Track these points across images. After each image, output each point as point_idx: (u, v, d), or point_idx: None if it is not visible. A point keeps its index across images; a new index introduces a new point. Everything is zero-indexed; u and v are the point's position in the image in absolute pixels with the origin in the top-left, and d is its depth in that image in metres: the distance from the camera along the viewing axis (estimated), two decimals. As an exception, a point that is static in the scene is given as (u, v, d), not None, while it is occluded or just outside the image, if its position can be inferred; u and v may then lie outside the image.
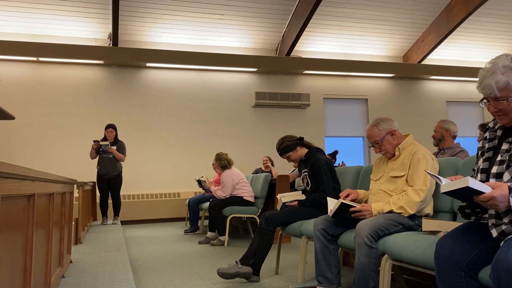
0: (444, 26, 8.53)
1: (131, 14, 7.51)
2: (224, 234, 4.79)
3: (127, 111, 7.94)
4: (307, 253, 2.90)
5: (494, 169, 1.58)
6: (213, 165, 5.53)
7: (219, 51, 8.35)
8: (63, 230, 2.75)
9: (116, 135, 6.33)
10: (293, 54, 8.59)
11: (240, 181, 5.04)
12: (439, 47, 9.01)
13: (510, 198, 1.40)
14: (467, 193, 1.48)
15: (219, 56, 8.18)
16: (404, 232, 2.15)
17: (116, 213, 6.31)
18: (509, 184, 1.43)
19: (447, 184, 1.52)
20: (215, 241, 4.83)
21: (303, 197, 3.29)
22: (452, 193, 1.54)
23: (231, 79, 8.59)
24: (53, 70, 7.67)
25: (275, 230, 3.11)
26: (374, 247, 2.13)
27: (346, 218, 2.39)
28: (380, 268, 2.12)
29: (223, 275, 2.95)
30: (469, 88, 10.01)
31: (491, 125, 1.73)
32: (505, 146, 1.59)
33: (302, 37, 8.19)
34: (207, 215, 5.38)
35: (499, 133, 1.66)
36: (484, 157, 1.67)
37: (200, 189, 6.35)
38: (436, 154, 3.87)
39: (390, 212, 2.28)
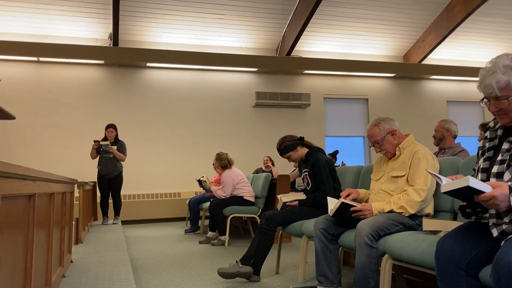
0: (445, 26, 8.52)
1: (132, 14, 7.51)
2: (224, 234, 4.79)
3: (128, 111, 7.94)
4: (308, 253, 2.90)
5: (495, 169, 1.58)
6: (213, 165, 5.53)
7: (220, 51, 8.35)
8: (63, 230, 2.75)
9: (117, 135, 6.34)
10: (293, 54, 8.59)
11: (241, 181, 5.04)
12: (439, 47, 9.00)
13: (511, 197, 1.39)
14: (467, 193, 1.47)
15: (220, 56, 8.18)
16: (404, 232, 2.15)
17: (117, 213, 6.32)
18: (509, 183, 1.43)
19: (448, 183, 1.52)
20: (215, 241, 4.83)
21: (303, 196, 3.29)
22: (453, 193, 1.54)
23: (231, 79, 8.59)
24: (54, 70, 7.68)
25: (276, 230, 3.11)
26: (374, 246, 2.13)
27: (347, 217, 2.39)
28: (380, 267, 2.12)
29: (224, 275, 2.95)
30: (470, 87, 10.00)
31: (491, 124, 1.72)
32: (505, 146, 1.59)
33: (302, 37, 8.19)
34: (208, 215, 5.38)
35: (499, 132, 1.66)
36: (484, 157, 1.67)
37: (201, 189, 6.35)
38: (436, 154, 3.87)
39: (391, 211, 2.28)
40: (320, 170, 3.10)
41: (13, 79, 7.40)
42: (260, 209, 4.96)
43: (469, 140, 8.56)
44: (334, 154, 6.89)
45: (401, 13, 8.45)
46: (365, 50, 9.26)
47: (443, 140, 3.86)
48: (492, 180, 1.56)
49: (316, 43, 8.85)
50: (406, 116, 9.36)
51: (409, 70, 9.40)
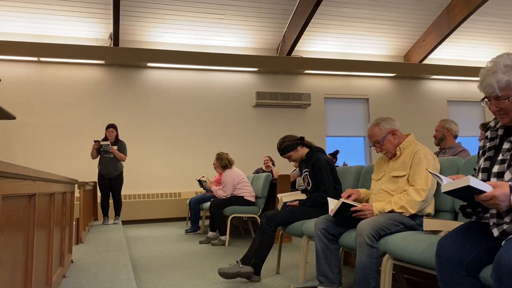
0: (445, 26, 8.52)
1: (132, 14, 7.51)
2: (225, 234, 4.79)
3: (128, 111, 7.94)
4: (308, 253, 2.90)
5: (495, 168, 1.58)
6: (214, 164, 5.53)
7: (220, 51, 8.35)
8: (64, 230, 2.75)
9: (117, 135, 6.34)
10: (294, 53, 8.59)
11: (241, 181, 5.04)
12: (440, 46, 9.00)
13: (511, 197, 1.39)
14: (468, 193, 1.47)
15: (220, 56, 8.18)
16: (405, 232, 2.14)
17: (117, 213, 6.32)
18: (510, 183, 1.42)
19: (448, 183, 1.52)
20: (216, 240, 4.83)
21: (304, 196, 3.29)
22: (453, 193, 1.54)
23: (232, 79, 8.59)
24: (54, 70, 7.68)
25: (276, 230, 3.10)
26: (375, 246, 2.13)
27: (347, 217, 2.39)
28: (381, 267, 2.12)
29: (224, 275, 2.95)
30: (470, 87, 10.00)
31: (492, 124, 1.72)
32: (506, 145, 1.59)
33: (303, 36, 8.19)
34: (208, 214, 5.38)
35: (500, 132, 1.66)
36: (485, 156, 1.67)
37: (201, 189, 6.35)
38: (437, 154, 3.86)
39: (391, 211, 2.28)
40: (321, 170, 3.10)
41: (13, 79, 7.41)
42: (261, 209, 4.96)
43: (470, 140, 8.56)
44: (335, 154, 6.89)
45: (401, 13, 8.45)
46: (365, 50, 9.26)
47: (444, 140, 3.85)
48: (493, 179, 1.56)
49: (317, 43, 8.84)
50: (406, 116, 9.36)
51: (409, 70, 9.40)
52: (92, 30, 7.70)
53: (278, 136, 3.72)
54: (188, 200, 6.47)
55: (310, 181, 3.20)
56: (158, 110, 8.12)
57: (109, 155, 6.16)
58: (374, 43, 9.14)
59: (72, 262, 3.26)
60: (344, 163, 7.15)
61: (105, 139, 6.25)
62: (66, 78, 7.72)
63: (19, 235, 1.48)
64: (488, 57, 1.66)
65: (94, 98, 7.81)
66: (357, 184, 3.07)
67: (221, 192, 5.04)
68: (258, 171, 7.27)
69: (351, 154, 9.21)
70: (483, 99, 1.63)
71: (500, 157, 1.59)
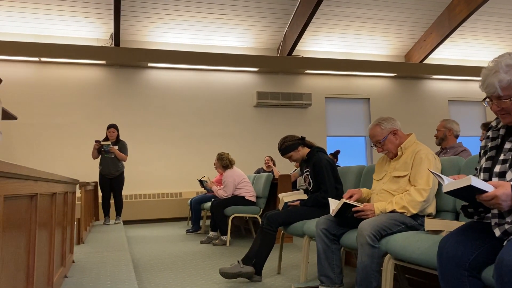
0: (446, 25, 8.51)
1: (133, 14, 7.51)
2: (226, 234, 4.79)
3: (129, 111, 7.95)
4: (309, 253, 2.90)
5: (497, 168, 1.58)
6: (214, 164, 5.52)
7: (221, 51, 8.35)
8: (65, 230, 2.76)
9: (118, 135, 6.34)
10: (294, 53, 8.59)
11: (242, 181, 5.04)
12: (441, 46, 8.99)
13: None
14: (469, 193, 1.47)
15: (221, 56, 8.18)
16: (406, 232, 2.14)
17: (118, 213, 6.32)
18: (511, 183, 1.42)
19: (450, 183, 1.51)
20: (217, 241, 4.83)
21: (305, 196, 3.29)
22: (455, 193, 1.54)
23: (232, 79, 8.59)
24: (55, 70, 7.69)
25: (277, 230, 3.10)
26: (376, 246, 2.12)
27: (349, 217, 2.38)
28: (382, 267, 2.12)
29: (225, 275, 2.95)
30: (471, 87, 9.99)
31: (494, 124, 1.72)
32: (508, 145, 1.58)
33: (303, 36, 8.18)
34: (209, 215, 5.38)
35: (502, 132, 1.66)
36: (486, 156, 1.66)
37: (202, 189, 6.35)
38: (438, 154, 3.86)
39: (393, 211, 2.27)
40: (322, 170, 3.10)
41: (15, 80, 7.41)
42: (262, 209, 4.96)
43: (471, 139, 8.55)
44: (336, 154, 6.88)
45: (402, 12, 8.44)
46: (366, 49, 9.25)
47: (445, 139, 3.85)
48: (495, 179, 1.56)
49: (317, 43, 8.84)
50: (407, 116, 9.35)
51: (410, 69, 9.39)
52: (93, 30, 7.70)
53: (279, 136, 3.72)
54: (189, 200, 6.47)
55: (311, 181, 3.20)
56: (159, 110, 8.12)
57: (110, 155, 6.16)
58: (375, 43, 9.13)
59: (73, 262, 3.26)
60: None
61: (106, 139, 6.26)
62: (67, 78, 7.73)
63: (21, 235, 1.48)
64: (489, 57, 1.66)
65: (95, 98, 7.81)
66: (358, 184, 3.07)
67: (222, 192, 5.04)
68: (259, 171, 7.27)
69: (352, 154, 9.21)
70: (484, 99, 1.63)
71: (501, 157, 1.58)
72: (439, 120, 4.06)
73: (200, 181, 5.79)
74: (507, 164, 1.54)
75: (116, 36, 7.53)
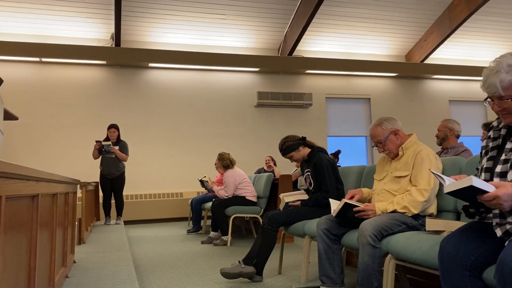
0: (447, 25, 8.51)
1: (134, 14, 7.52)
2: (226, 234, 4.79)
3: (130, 111, 7.95)
4: (310, 253, 2.90)
5: (498, 168, 1.57)
6: (215, 165, 5.53)
7: (221, 51, 8.35)
8: (66, 230, 2.76)
9: (119, 135, 6.34)
10: (295, 53, 8.59)
11: (243, 181, 5.04)
12: (441, 46, 8.98)
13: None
14: (470, 193, 1.47)
15: (221, 56, 8.18)
16: (407, 232, 2.14)
17: (119, 213, 6.32)
18: (513, 183, 1.42)
19: (451, 184, 1.51)
20: (217, 241, 4.83)
21: (306, 196, 3.29)
22: (456, 194, 1.53)
23: (233, 79, 8.59)
24: (56, 70, 7.69)
25: (278, 230, 3.10)
26: (377, 246, 2.12)
27: (350, 217, 2.38)
28: (383, 267, 2.12)
29: (226, 275, 2.95)
30: (472, 87, 9.98)
31: (495, 124, 1.72)
32: (509, 145, 1.58)
33: (304, 36, 8.18)
34: (210, 215, 5.38)
35: (503, 132, 1.66)
36: (488, 156, 1.66)
37: (203, 189, 6.35)
38: (439, 154, 3.86)
39: (394, 211, 2.27)
40: (323, 170, 3.10)
41: (15, 80, 7.42)
42: (262, 209, 4.96)
43: (472, 139, 8.54)
44: (336, 154, 6.88)
45: (403, 12, 8.44)
46: (367, 49, 9.25)
47: (446, 139, 3.85)
48: (496, 179, 1.56)
49: (318, 43, 8.84)
50: (408, 116, 9.35)
51: (411, 69, 9.39)
52: (93, 31, 7.71)
53: (280, 136, 3.72)
54: (190, 200, 6.47)
55: (312, 181, 3.20)
56: (160, 110, 8.12)
57: (111, 155, 6.17)
58: (376, 42, 9.13)
59: (74, 262, 3.26)
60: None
61: (107, 139, 6.26)
62: (68, 79, 7.73)
63: (23, 235, 1.48)
64: (490, 57, 1.66)
65: (95, 99, 7.82)
66: (359, 184, 3.06)
67: (222, 192, 5.04)
68: (259, 171, 7.27)
69: (352, 154, 9.21)
70: (486, 99, 1.63)
71: (503, 156, 1.58)
72: (440, 120, 4.06)
73: (201, 181, 5.79)
74: (509, 164, 1.54)
75: (117, 36, 7.53)
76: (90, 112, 7.75)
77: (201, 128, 8.28)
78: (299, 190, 5.23)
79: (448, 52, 9.54)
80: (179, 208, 7.80)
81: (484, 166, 1.65)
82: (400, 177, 2.36)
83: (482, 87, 1.59)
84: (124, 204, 6.44)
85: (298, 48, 8.47)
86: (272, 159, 7.39)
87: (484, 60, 9.40)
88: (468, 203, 1.67)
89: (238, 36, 8.39)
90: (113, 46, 7.73)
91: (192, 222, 6.20)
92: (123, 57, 7.72)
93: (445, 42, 8.86)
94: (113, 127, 6.31)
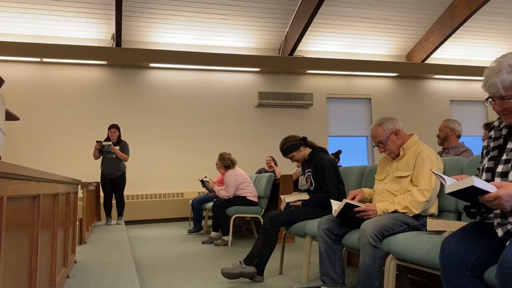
0: (448, 25, 8.50)
1: (134, 15, 7.52)
2: (227, 234, 4.79)
3: (131, 111, 7.96)
4: (311, 253, 2.90)
5: (500, 168, 1.57)
6: (216, 165, 5.53)
7: (222, 51, 8.35)
8: (67, 230, 2.76)
9: (120, 135, 6.35)
10: (296, 53, 8.59)
11: (244, 181, 5.04)
12: (442, 46, 8.98)
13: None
14: (472, 193, 1.47)
15: (222, 56, 8.18)
16: (408, 232, 2.14)
17: (120, 213, 6.33)
18: (514, 183, 1.42)
19: (452, 184, 1.51)
20: (218, 241, 4.84)
21: (307, 197, 3.29)
22: (457, 194, 1.53)
23: (234, 79, 8.59)
24: (57, 70, 7.70)
25: (279, 230, 3.10)
26: (378, 247, 2.12)
27: (351, 217, 2.38)
28: (384, 268, 2.12)
29: (227, 275, 2.95)
30: (473, 87, 9.97)
31: (496, 124, 1.72)
32: (510, 145, 1.58)
33: (305, 36, 8.18)
34: (211, 215, 5.38)
35: (504, 132, 1.65)
36: (489, 156, 1.66)
37: (204, 189, 6.35)
38: (440, 154, 3.85)
39: (395, 212, 2.27)
40: (324, 170, 3.10)
41: (16, 80, 7.43)
42: (263, 209, 4.96)
43: (473, 139, 8.54)
44: (337, 154, 6.88)
45: (404, 12, 8.44)
46: (367, 49, 9.25)
47: (447, 139, 3.84)
48: (497, 179, 1.56)
49: (319, 43, 8.84)
50: (409, 116, 9.34)
51: (412, 69, 9.38)
52: (94, 31, 7.71)
53: (281, 136, 3.72)
54: (190, 200, 6.47)
55: (313, 181, 3.20)
56: (161, 110, 8.13)
57: (111, 155, 6.17)
58: (376, 42, 9.13)
59: (75, 262, 3.26)
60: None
61: (107, 139, 6.26)
62: (69, 79, 7.74)
63: (24, 235, 1.48)
64: (491, 57, 1.66)
65: (96, 99, 7.82)
66: (360, 184, 3.06)
67: (223, 192, 5.04)
68: (260, 171, 7.27)
69: (353, 154, 9.20)
70: (487, 99, 1.63)
71: (504, 156, 1.58)
72: (441, 120, 4.06)
73: (202, 181, 5.79)
74: (510, 164, 1.54)
75: (118, 36, 7.54)
76: (91, 112, 7.76)
77: (202, 128, 8.28)
78: (300, 190, 5.24)
79: (449, 52, 9.53)
80: (180, 208, 7.80)
81: (485, 166, 1.65)
82: (401, 177, 2.36)
83: (483, 87, 1.59)
84: (125, 204, 6.44)
85: (298, 48, 8.47)
86: (273, 159, 7.40)
87: (485, 60, 9.40)
88: (469, 203, 1.67)
89: (239, 36, 8.39)
90: (114, 46, 7.74)
91: (193, 222, 6.20)
92: (123, 57, 7.73)
93: (446, 42, 8.86)
94: (113, 127, 6.31)
